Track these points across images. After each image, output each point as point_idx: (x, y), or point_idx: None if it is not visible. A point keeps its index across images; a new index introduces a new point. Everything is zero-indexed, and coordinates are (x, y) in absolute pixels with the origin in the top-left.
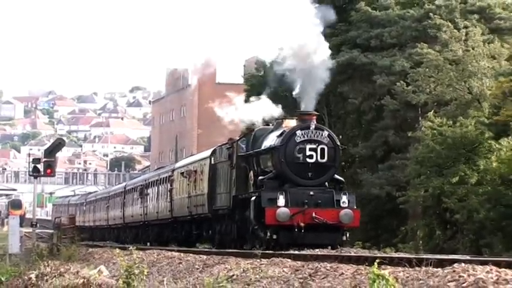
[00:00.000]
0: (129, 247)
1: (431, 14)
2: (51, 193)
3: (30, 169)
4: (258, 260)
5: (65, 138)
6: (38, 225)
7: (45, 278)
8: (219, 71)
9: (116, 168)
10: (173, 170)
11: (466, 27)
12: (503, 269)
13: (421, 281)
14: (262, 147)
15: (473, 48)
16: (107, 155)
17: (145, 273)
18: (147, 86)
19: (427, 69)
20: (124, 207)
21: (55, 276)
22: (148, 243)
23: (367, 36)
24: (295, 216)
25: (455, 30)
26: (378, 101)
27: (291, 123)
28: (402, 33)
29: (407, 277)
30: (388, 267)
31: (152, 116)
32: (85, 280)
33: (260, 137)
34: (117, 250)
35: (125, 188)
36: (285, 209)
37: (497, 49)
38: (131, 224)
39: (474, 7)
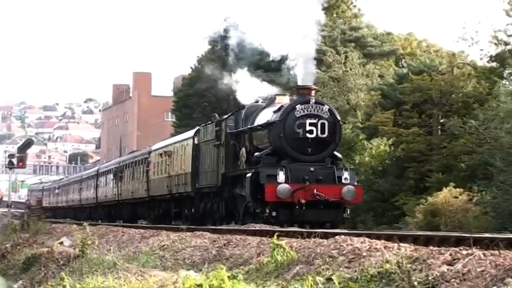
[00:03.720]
0: (83, 223)
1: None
2: (22, 181)
3: (6, 162)
4: (184, 233)
5: (33, 138)
6: (12, 206)
7: (17, 247)
8: (154, 85)
9: (73, 162)
10: (150, 152)
11: (345, 52)
12: (373, 240)
13: (310, 249)
14: (256, 124)
15: (350, 69)
16: (66, 152)
17: (96, 243)
18: (98, 98)
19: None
20: (97, 188)
21: (25, 246)
22: (121, 221)
23: (268, 60)
24: (296, 192)
25: (337, 55)
26: None
27: (284, 99)
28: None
29: (300, 246)
30: (285, 238)
31: (102, 121)
32: (49, 249)
33: (252, 113)
34: (74, 226)
35: (97, 171)
36: (286, 186)
37: (369, 70)
38: (104, 203)
39: (351, 37)
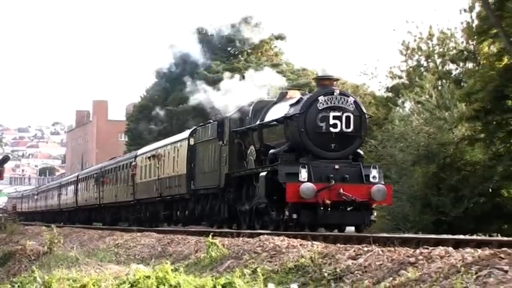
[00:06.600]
0: (50, 225)
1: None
2: (0, 190)
3: None
4: (135, 233)
5: (9, 155)
6: None
7: None
8: (110, 111)
9: (43, 174)
10: (136, 157)
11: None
12: (291, 239)
13: (239, 246)
14: (267, 120)
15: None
16: (37, 166)
17: (62, 242)
18: (63, 121)
19: None
20: (77, 192)
21: (2, 244)
22: (102, 224)
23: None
24: (320, 192)
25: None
26: None
27: (296, 94)
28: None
29: (231, 244)
30: (219, 238)
31: (67, 141)
32: (22, 247)
33: (261, 109)
34: (43, 227)
35: (77, 177)
36: (310, 185)
37: None
38: (84, 207)
39: (278, 68)
